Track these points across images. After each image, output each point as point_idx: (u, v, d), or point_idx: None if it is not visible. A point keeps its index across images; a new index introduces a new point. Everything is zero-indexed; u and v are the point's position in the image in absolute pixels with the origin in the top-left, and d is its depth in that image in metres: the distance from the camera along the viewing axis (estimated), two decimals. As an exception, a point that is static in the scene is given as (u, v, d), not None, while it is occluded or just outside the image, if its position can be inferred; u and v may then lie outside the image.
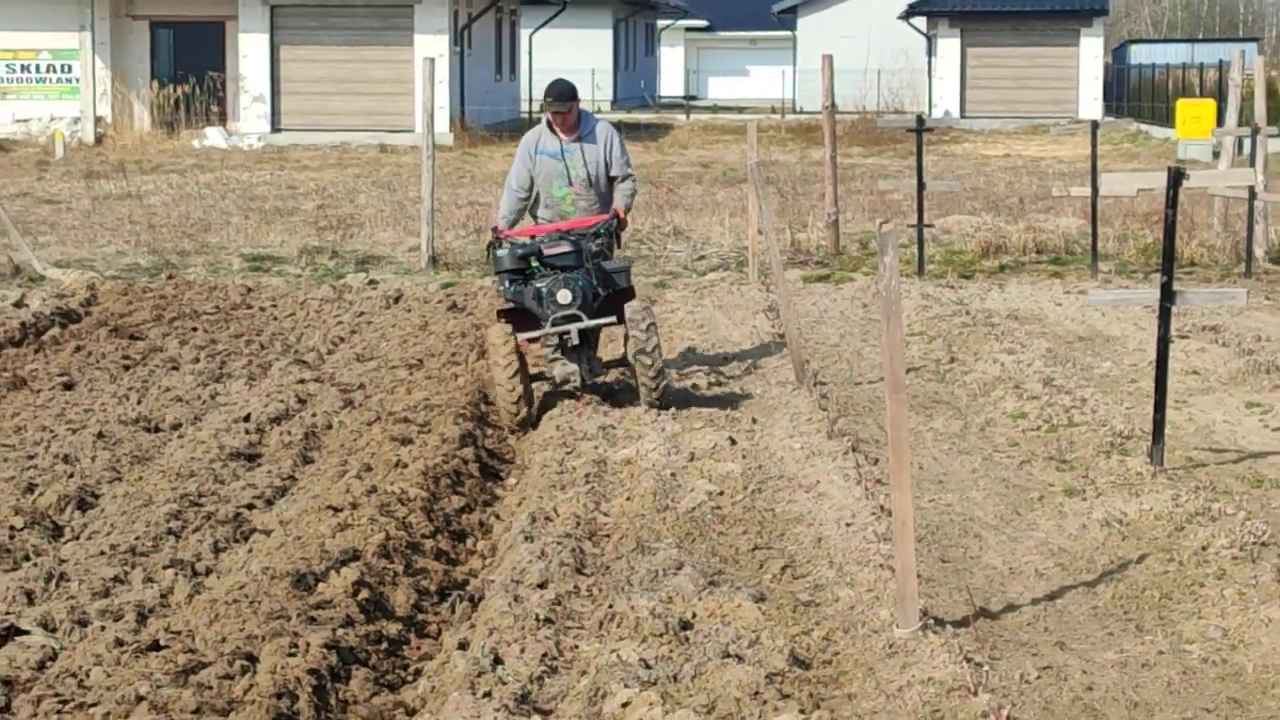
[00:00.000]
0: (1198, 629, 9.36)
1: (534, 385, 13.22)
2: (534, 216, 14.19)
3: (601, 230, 13.15)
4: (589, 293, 12.78)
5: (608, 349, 15.19)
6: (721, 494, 12.21)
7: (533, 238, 13.24)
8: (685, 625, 9.31)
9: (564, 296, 12.58)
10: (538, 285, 12.80)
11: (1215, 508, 11.42)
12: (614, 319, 13.14)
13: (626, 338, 13.03)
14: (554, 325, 12.72)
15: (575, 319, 12.70)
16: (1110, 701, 8.37)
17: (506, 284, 13.04)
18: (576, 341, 12.99)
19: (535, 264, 12.81)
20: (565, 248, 12.76)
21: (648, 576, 10.04)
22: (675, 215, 30.82)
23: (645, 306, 12.62)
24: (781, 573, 10.52)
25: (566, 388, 13.20)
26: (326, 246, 27.73)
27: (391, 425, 14.32)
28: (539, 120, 14.51)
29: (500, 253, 12.94)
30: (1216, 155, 28.02)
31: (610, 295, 12.98)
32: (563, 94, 13.86)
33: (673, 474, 12.55)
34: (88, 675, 8.75)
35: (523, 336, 12.91)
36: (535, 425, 13.18)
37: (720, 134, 54.62)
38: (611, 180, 14.20)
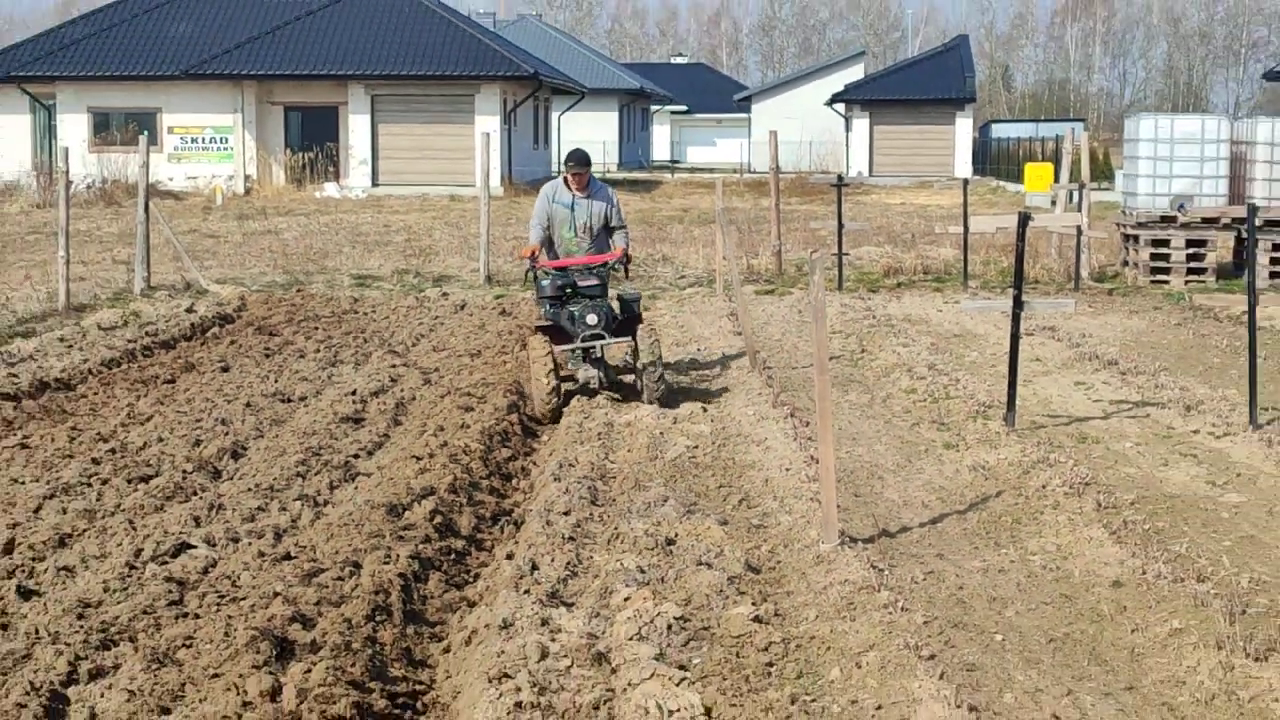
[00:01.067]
0: (1039, 545, 9.45)
1: (562, 384, 13.16)
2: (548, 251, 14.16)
3: (614, 265, 13.26)
4: (610, 317, 12.90)
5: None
6: (696, 448, 12.28)
7: (573, 266, 13.31)
8: (670, 542, 9.39)
9: (592, 319, 12.76)
10: (571, 309, 12.89)
11: (1052, 457, 11.49)
12: (629, 338, 13.21)
13: (636, 351, 13.20)
14: (583, 341, 12.82)
15: (600, 337, 12.85)
16: (975, 597, 8.47)
17: (547, 307, 13.09)
18: (599, 355, 13.10)
19: (571, 292, 12.89)
20: (594, 281, 12.88)
21: (642, 507, 10.10)
22: (663, 246, 30.76)
23: (651, 329, 12.84)
24: (739, 504, 10.62)
25: (590, 387, 13.13)
26: (411, 268, 27.73)
27: (458, 397, 14.37)
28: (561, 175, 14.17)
29: (543, 282, 13.01)
30: (1054, 204, 27.97)
31: (626, 319, 13.15)
32: (581, 160, 13.73)
33: (661, 433, 12.59)
34: (238, 578, 8.85)
35: (558, 348, 12.91)
36: (560, 417, 13.00)
37: (696, 188, 54.39)
38: (608, 229, 14.03)
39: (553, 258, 13.96)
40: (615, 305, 13.71)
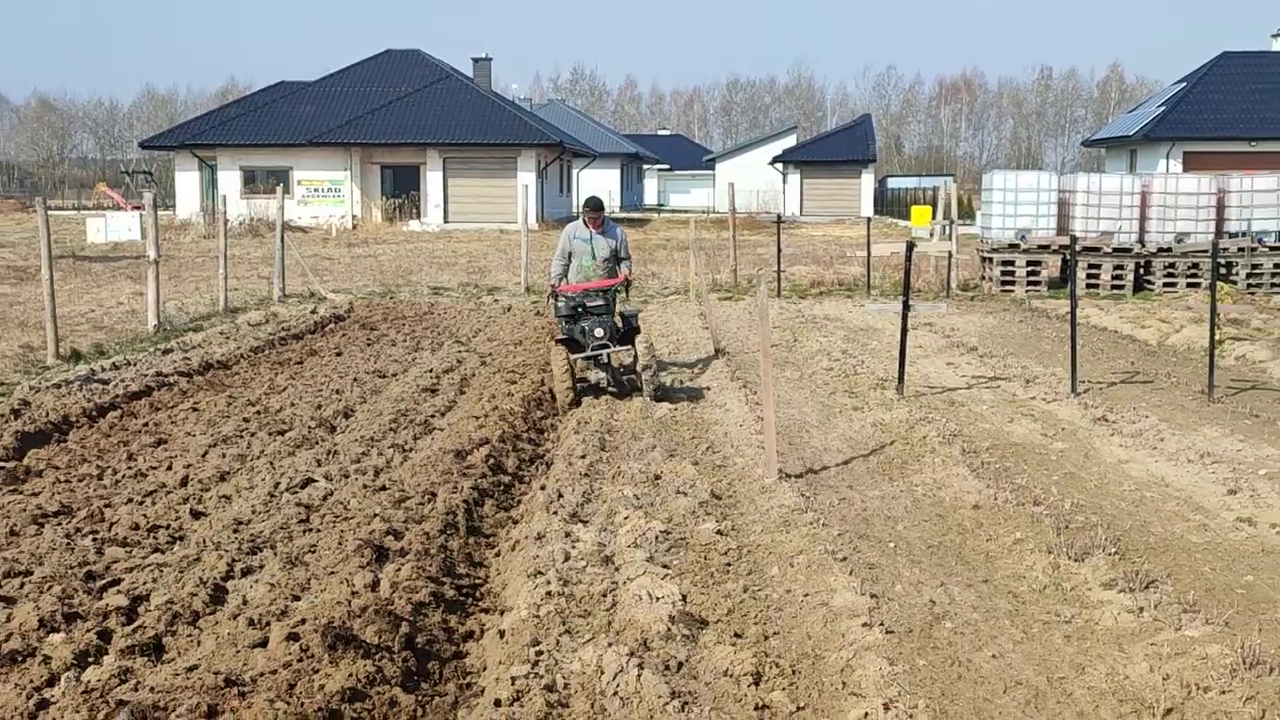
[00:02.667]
0: (920, 480, 9.47)
1: (578, 384, 12.57)
2: (566, 278, 13.54)
3: (618, 288, 12.95)
4: (613, 330, 12.35)
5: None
6: (676, 410, 12.30)
7: (583, 291, 12.68)
8: (657, 478, 9.40)
9: (599, 333, 12.22)
10: (582, 324, 12.36)
11: (930, 416, 11.52)
12: (629, 346, 12.75)
13: (636, 356, 12.92)
14: (592, 350, 12.31)
15: (605, 346, 12.30)
16: (874, 516, 8.49)
17: (563, 323, 12.64)
18: (605, 360, 12.52)
19: (581, 311, 12.43)
20: (600, 301, 12.38)
21: (637, 452, 10.10)
22: (652, 266, 30.74)
23: (647, 340, 12.51)
24: (706, 450, 10.63)
25: (600, 386, 12.68)
26: (471, 282, 27.75)
27: (505, 374, 14.39)
28: (579, 217, 13.54)
29: (559, 304, 12.61)
30: (932, 235, 28.04)
31: (627, 331, 12.64)
32: (596, 206, 13.30)
33: (650, 400, 12.63)
34: (348, 503, 8.86)
35: (574, 357, 12.40)
36: (579, 405, 12.28)
37: (675, 224, 54.29)
38: (616, 259, 13.37)
39: (571, 282, 13.36)
40: (619, 320, 13.12)
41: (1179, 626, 6.06)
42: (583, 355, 12.36)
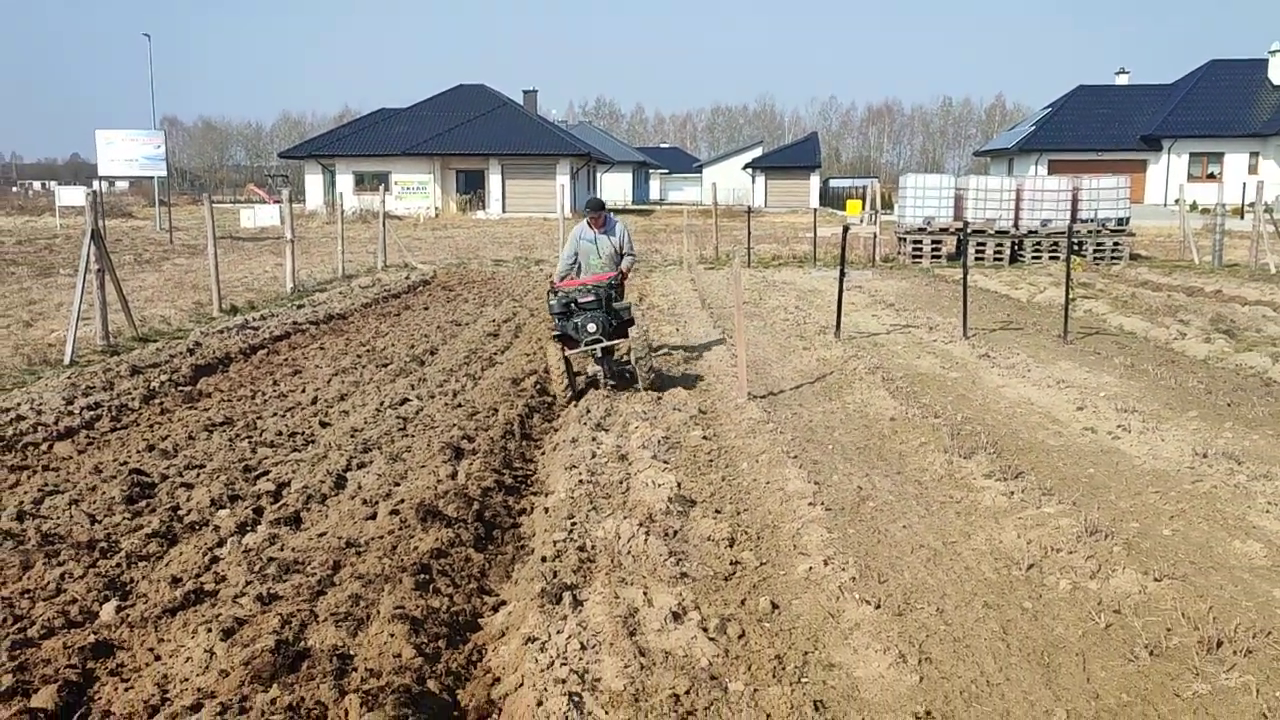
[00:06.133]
0: (852, 400, 9.45)
1: (576, 378, 10.18)
2: (578, 274, 10.74)
3: (610, 282, 10.05)
4: (606, 324, 9.78)
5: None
6: (673, 349, 12.28)
7: (574, 288, 9.99)
8: (658, 399, 9.41)
9: (591, 328, 9.68)
10: (575, 320, 9.80)
11: (859, 354, 11.48)
12: (623, 339, 9.94)
13: (629, 349, 9.99)
14: (586, 345, 9.75)
15: (598, 341, 9.76)
16: (818, 427, 8.48)
17: (557, 320, 9.98)
18: (600, 354, 9.89)
19: (574, 307, 9.85)
20: (591, 298, 9.81)
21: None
22: (655, 244, 30.64)
23: (643, 331, 9.90)
24: (695, 380, 10.62)
25: (597, 379, 10.11)
26: (523, 255, 27.61)
27: (549, 323, 14.28)
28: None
29: (553, 301, 9.92)
30: (862, 221, 27.82)
31: (619, 325, 9.94)
32: (596, 206, 10.70)
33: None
34: (434, 416, 8.87)
35: (569, 352, 9.80)
36: (578, 400, 9.69)
37: (673, 214, 53.92)
38: (620, 255, 10.75)
39: (579, 277, 10.72)
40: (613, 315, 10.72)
41: (1039, 506, 6.08)
42: (577, 351, 9.94)
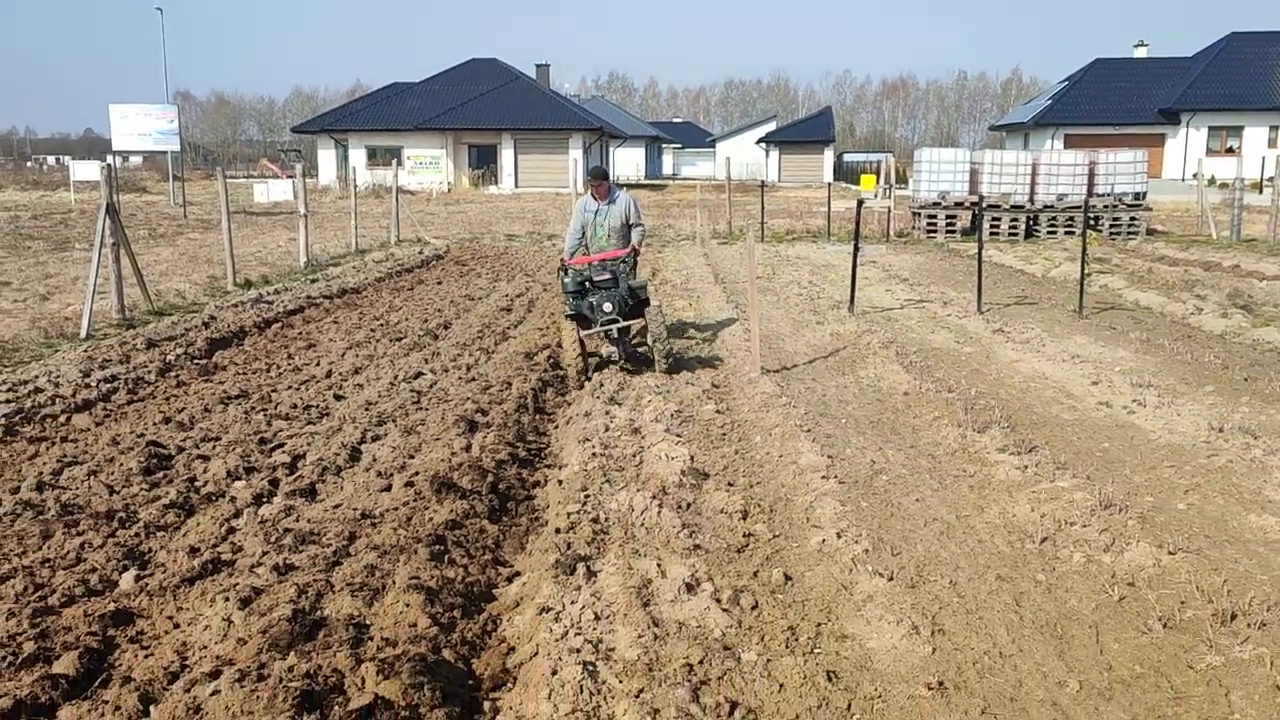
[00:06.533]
0: (865, 374, 9.44)
1: (589, 359, 9.58)
2: (586, 249, 10.20)
3: (625, 259, 9.60)
4: (623, 303, 9.24)
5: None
6: (687, 324, 12.27)
7: (589, 265, 9.50)
8: (673, 370, 9.41)
9: (607, 307, 9.16)
10: (590, 299, 9.27)
11: (873, 329, 11.46)
12: (640, 319, 9.37)
13: (645, 329, 9.42)
14: (601, 325, 9.23)
15: (614, 321, 9.24)
16: (831, 400, 8.48)
17: (570, 299, 9.43)
18: (615, 335, 9.34)
19: (589, 286, 9.35)
20: (607, 276, 9.28)
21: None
22: (668, 219, 30.55)
23: (659, 309, 9.35)
24: (710, 352, 10.60)
25: (611, 360, 9.50)
26: (535, 230, 27.55)
27: (562, 297, 14.28)
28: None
29: (566, 279, 9.43)
30: (876, 196, 27.65)
31: (636, 304, 9.39)
32: (599, 174, 10.03)
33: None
34: (447, 390, 8.89)
35: (584, 332, 9.23)
36: (589, 380, 9.16)
37: (686, 189, 53.74)
38: (628, 227, 10.09)
39: (587, 254, 10.18)
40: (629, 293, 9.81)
41: (1053, 480, 6.07)
42: (592, 331, 9.36)
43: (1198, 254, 19.47)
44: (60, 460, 6.71)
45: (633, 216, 10.12)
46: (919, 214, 24.50)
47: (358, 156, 50.82)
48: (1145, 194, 23.87)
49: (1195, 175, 28.39)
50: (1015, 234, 23.59)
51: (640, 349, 9.79)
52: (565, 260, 9.80)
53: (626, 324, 9.33)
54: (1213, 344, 10.71)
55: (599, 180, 10.00)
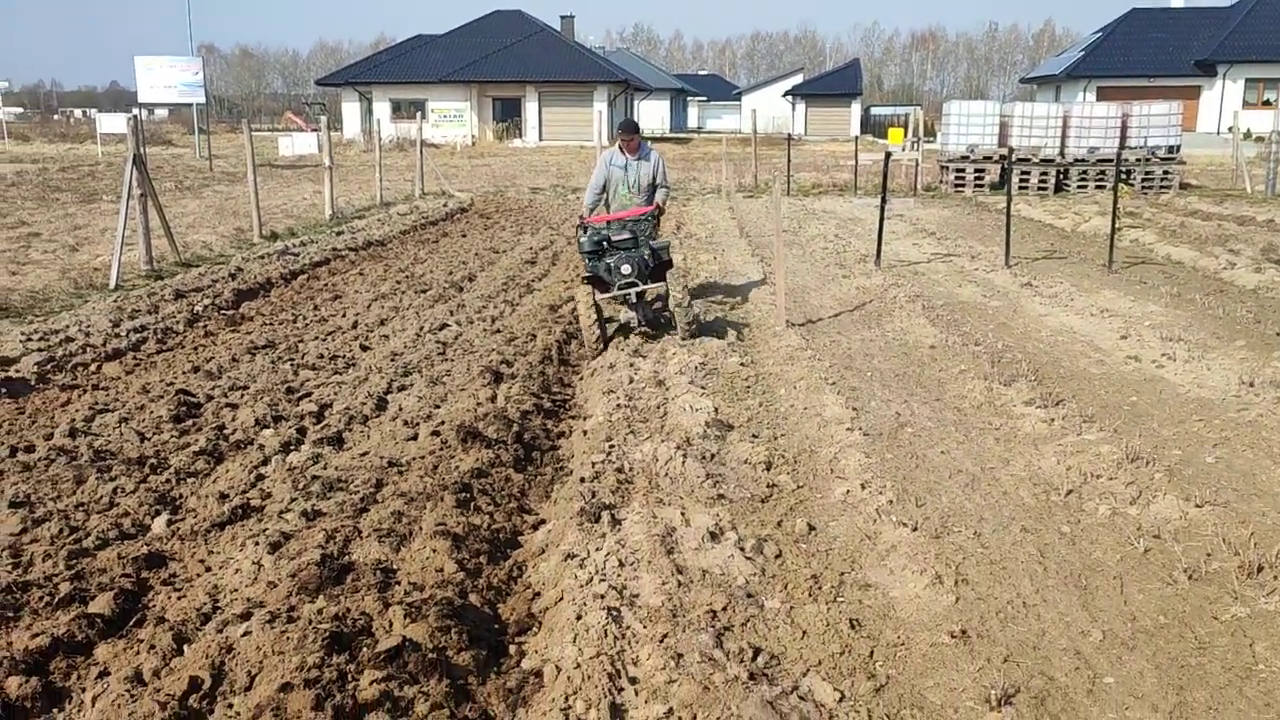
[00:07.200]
0: (891, 328, 9.39)
1: (606, 325, 8.86)
2: (606, 206, 9.56)
3: (648, 217, 8.73)
4: (643, 265, 8.55)
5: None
6: (711, 277, 12.21)
7: (608, 224, 8.75)
8: (696, 335, 9.37)
9: (626, 269, 8.47)
10: (608, 261, 8.57)
11: (899, 283, 11.37)
12: (660, 283, 8.69)
13: (667, 293, 8.64)
14: (619, 289, 8.54)
15: (633, 284, 8.53)
16: (856, 354, 8.45)
17: (587, 260, 8.71)
18: (634, 299, 8.67)
19: (606, 246, 8.60)
20: (626, 235, 8.56)
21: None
22: (694, 172, 30.32)
23: (682, 272, 8.71)
24: (734, 304, 10.57)
25: (630, 326, 8.85)
26: (559, 184, 27.41)
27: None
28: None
29: (582, 239, 8.70)
30: (903, 150, 27.30)
31: (657, 266, 8.71)
32: (630, 128, 9.36)
33: (687, 269, 12.53)
34: (473, 341, 8.92)
35: (600, 297, 8.55)
36: (606, 348, 8.55)
37: (712, 143, 53.29)
38: (654, 186, 9.42)
39: (608, 211, 9.50)
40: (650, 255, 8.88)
41: (1080, 433, 6.03)
42: (609, 296, 8.68)
43: (1231, 208, 19.15)
44: (92, 408, 6.80)
45: (660, 177, 9.51)
46: (947, 168, 24.20)
47: (382, 109, 50.64)
48: (1179, 147, 23.45)
49: (1231, 128, 27.86)
50: (1045, 188, 23.27)
51: (661, 314, 9.24)
52: (583, 217, 9.15)
53: (646, 288, 8.67)
54: (1245, 299, 10.57)
55: (630, 134, 9.38)
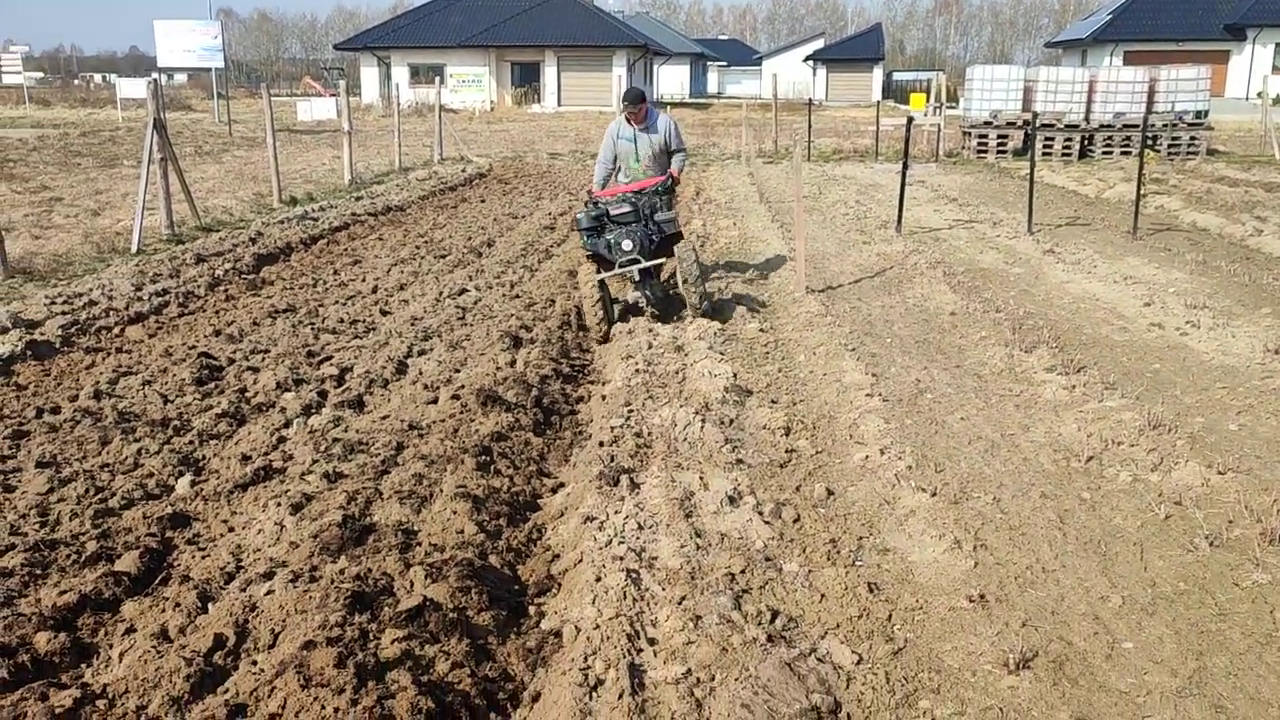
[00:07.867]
0: (912, 294, 9.33)
1: (613, 306, 8.17)
2: (618, 179, 8.91)
3: (661, 188, 8.24)
4: (645, 240, 7.93)
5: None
6: (730, 243, 12.16)
7: (608, 198, 8.19)
8: (710, 315, 9.34)
9: (627, 245, 7.87)
10: (608, 237, 7.99)
11: (920, 249, 11.30)
12: (667, 258, 8.15)
13: (677, 269, 8.05)
14: (621, 266, 7.93)
15: (636, 261, 7.91)
16: (876, 320, 8.40)
17: (585, 238, 8.11)
18: (639, 277, 7.99)
19: (606, 221, 8.04)
20: (626, 208, 7.97)
21: (709, 268, 10.03)
22: (713, 138, 30.11)
23: (690, 246, 7.95)
24: (754, 271, 10.52)
25: (639, 306, 8.13)
26: (578, 149, 27.30)
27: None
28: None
29: (579, 215, 8.10)
30: (925, 115, 26.99)
31: (663, 240, 8.08)
32: (635, 98, 8.61)
33: (706, 235, 12.48)
34: (492, 306, 8.92)
35: (604, 275, 7.95)
36: (610, 331, 8.02)
37: (731, 108, 52.83)
38: (668, 153, 8.78)
39: (620, 184, 8.78)
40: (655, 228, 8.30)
41: (1101, 399, 6.00)
42: (612, 274, 8.05)
43: (1259, 175, 18.89)
44: (116, 370, 6.86)
45: (674, 142, 8.85)
46: (969, 133, 23.94)
47: (400, 74, 50.49)
48: (1207, 113, 23.11)
49: (1260, 94, 27.40)
50: (1069, 154, 23.00)
51: (670, 292, 8.67)
52: (592, 191, 8.63)
53: (650, 264, 8.03)
54: (1272, 266, 10.45)
55: (635, 105, 8.67)
